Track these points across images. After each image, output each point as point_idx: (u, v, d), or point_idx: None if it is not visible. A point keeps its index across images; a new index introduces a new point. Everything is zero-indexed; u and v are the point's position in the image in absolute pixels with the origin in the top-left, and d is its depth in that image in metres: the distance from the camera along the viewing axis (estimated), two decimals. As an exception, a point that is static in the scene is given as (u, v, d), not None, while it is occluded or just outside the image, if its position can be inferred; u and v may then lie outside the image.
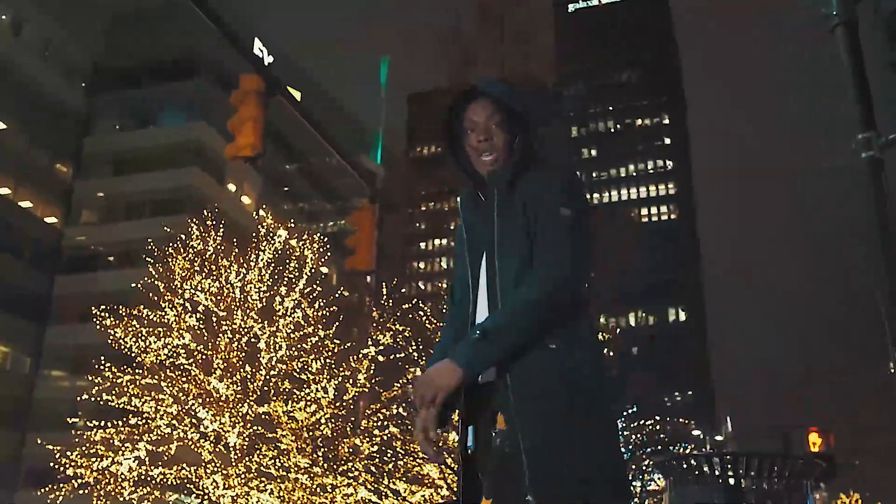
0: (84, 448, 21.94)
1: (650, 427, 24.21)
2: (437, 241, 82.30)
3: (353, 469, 22.62)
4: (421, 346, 22.99)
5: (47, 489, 22.66)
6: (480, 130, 2.73)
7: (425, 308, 24.70)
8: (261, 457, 21.65)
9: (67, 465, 21.66)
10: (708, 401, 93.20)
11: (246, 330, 22.44)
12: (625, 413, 25.31)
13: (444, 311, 23.35)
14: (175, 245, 23.58)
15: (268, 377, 22.37)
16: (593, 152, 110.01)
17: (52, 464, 22.42)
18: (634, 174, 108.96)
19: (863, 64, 4.64)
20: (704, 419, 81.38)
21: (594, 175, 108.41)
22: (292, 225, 26.46)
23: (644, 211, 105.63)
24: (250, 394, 21.89)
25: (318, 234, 26.55)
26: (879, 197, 4.29)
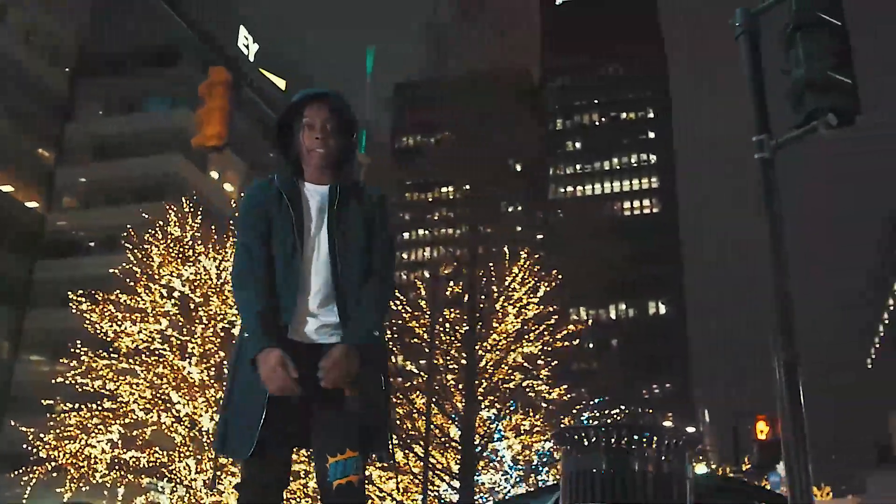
0: (59, 431, 22.14)
1: (615, 417, 24.64)
2: (420, 231, 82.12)
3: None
4: (396, 335, 23.21)
5: (21, 471, 22.86)
6: (317, 129, 3.18)
7: (405, 297, 24.86)
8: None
9: (41, 448, 21.86)
10: (686, 393, 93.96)
11: (221, 316, 22.65)
12: (592, 403, 25.73)
13: (420, 301, 23.58)
14: (153, 231, 23.75)
15: (243, 363, 22.56)
16: (577, 145, 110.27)
17: (26, 446, 22.61)
18: (618, 167, 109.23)
19: (761, 71, 4.93)
20: (682, 411, 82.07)
21: (578, 168, 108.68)
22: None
23: (626, 204, 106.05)
24: (224, 379, 22.09)
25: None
26: (769, 196, 4.56)
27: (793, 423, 4.87)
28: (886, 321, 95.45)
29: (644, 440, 3.50)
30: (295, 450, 3.16)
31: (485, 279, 23.05)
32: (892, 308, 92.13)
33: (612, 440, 3.55)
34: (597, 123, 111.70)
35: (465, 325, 22.11)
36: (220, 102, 9.87)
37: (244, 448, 2.91)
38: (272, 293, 3.04)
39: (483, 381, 21.93)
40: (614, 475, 3.48)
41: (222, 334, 22.60)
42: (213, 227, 24.26)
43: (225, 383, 3.26)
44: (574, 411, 25.07)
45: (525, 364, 22.89)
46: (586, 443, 3.62)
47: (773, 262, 4.47)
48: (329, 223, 3.11)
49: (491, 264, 23.41)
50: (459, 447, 20.70)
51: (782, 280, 4.47)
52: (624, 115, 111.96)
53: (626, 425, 4.25)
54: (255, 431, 2.90)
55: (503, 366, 22.41)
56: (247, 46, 53.90)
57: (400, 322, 23.56)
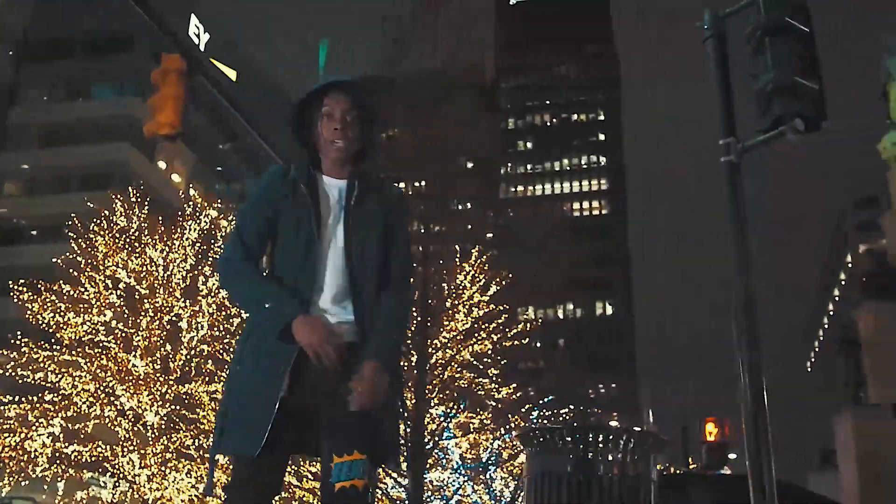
0: (-3, 424, 21.61)
1: (564, 417, 24.78)
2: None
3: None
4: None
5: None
6: (336, 120, 3.01)
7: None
8: (180, 436, 21.57)
9: (-23, 441, 21.28)
10: (631, 393, 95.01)
11: (168, 309, 22.30)
12: (540, 402, 25.85)
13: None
14: (99, 221, 23.30)
15: (189, 357, 22.27)
16: (529, 145, 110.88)
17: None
18: (568, 168, 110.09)
19: (728, 74, 4.94)
20: (627, 411, 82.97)
21: (528, 168, 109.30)
22: (220, 205, 26.27)
23: (576, 205, 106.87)
24: (171, 373, 21.79)
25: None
26: (735, 199, 4.57)
27: (755, 425, 4.86)
28: (826, 325, 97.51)
29: (610, 442, 3.46)
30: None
31: (436, 276, 23.00)
32: (831, 313, 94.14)
33: (579, 442, 3.50)
34: (548, 124, 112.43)
35: (415, 322, 22.03)
36: (173, 90, 9.67)
37: (252, 445, 2.74)
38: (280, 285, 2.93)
39: (433, 378, 21.89)
40: (580, 477, 3.43)
41: (168, 327, 22.27)
42: (160, 218, 23.88)
43: (223, 376, 3.13)
44: (523, 410, 25.17)
45: (475, 362, 22.91)
46: (552, 444, 3.56)
47: (737, 264, 4.48)
48: (345, 219, 2.99)
49: (442, 262, 23.38)
50: (408, 444, 20.61)
51: (747, 281, 4.48)
52: (575, 116, 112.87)
53: (592, 427, 4.22)
54: (265, 427, 2.74)
55: (453, 364, 22.40)
56: (198, 35, 53.15)
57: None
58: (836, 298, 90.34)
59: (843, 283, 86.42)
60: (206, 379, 22.29)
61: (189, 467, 21.59)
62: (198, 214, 24.03)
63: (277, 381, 2.80)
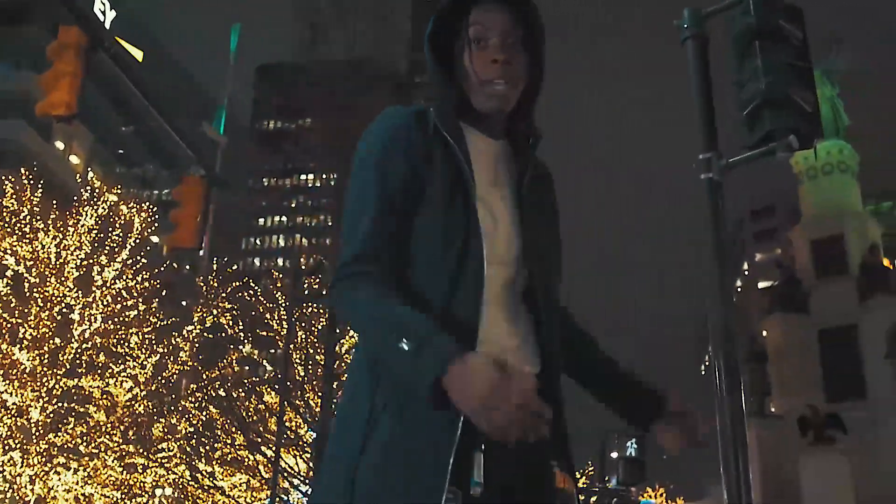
0: None
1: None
2: (276, 218, 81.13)
3: (166, 449, 21.83)
4: (247, 327, 22.29)
5: None
6: (494, 48, 1.93)
7: (256, 286, 23.99)
8: (67, 433, 20.43)
9: None
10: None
11: (59, 299, 21.07)
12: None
13: (276, 292, 22.59)
14: (-13, 202, 21.92)
15: (80, 350, 21.10)
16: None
17: None
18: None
19: (709, 83, 4.48)
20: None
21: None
22: (121, 190, 25.09)
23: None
24: (59, 367, 20.60)
25: (151, 203, 25.35)
26: (716, 220, 4.11)
27: (736, 465, 4.45)
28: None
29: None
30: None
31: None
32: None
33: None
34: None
35: (322, 320, 21.34)
36: (70, 67, 8.81)
37: None
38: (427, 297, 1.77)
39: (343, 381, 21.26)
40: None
41: (59, 318, 21.05)
42: (55, 202, 22.61)
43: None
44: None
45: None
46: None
47: (717, 293, 4.01)
48: (516, 201, 1.93)
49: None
50: (313, 451, 19.94)
51: (727, 317, 4.03)
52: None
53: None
54: None
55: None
56: (103, 12, 51.13)
57: (253, 313, 22.66)
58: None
59: (738, 290, 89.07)
60: (99, 373, 21.21)
61: (77, 466, 20.49)
62: (95, 200, 22.81)
63: (437, 481, 1.62)
